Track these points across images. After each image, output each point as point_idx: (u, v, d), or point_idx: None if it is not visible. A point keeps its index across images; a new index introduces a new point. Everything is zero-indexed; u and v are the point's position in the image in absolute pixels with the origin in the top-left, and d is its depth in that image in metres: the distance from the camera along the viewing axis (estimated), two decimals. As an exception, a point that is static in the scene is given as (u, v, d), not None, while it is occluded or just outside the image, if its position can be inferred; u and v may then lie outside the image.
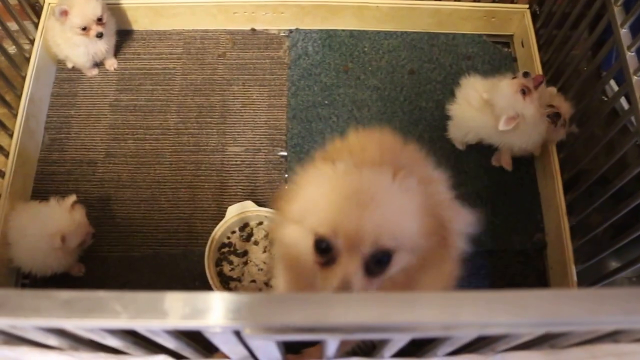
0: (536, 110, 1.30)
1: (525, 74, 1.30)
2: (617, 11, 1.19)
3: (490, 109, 1.33)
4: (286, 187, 0.85)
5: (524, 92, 1.28)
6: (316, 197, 0.72)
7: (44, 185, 1.47)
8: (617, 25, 1.18)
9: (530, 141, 1.36)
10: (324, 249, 0.70)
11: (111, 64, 1.59)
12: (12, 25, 1.50)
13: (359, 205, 0.68)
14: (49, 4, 1.55)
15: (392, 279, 0.72)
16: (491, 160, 1.50)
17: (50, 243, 1.21)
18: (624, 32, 1.16)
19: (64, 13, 1.40)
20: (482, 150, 1.51)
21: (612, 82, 1.40)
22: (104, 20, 1.45)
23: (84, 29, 1.42)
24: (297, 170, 0.80)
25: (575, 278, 1.27)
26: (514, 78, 1.31)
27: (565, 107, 1.34)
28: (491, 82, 1.37)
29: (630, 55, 1.14)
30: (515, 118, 1.28)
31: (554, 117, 1.32)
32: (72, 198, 1.26)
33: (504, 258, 1.42)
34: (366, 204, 0.68)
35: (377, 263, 0.69)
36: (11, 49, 1.49)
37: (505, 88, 1.30)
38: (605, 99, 1.45)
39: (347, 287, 0.66)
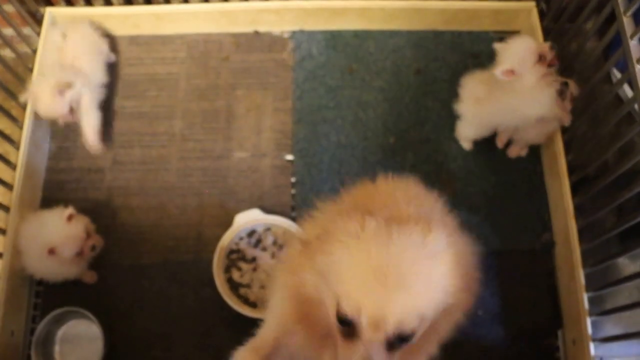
0: (537, 80, 1.30)
1: (552, 47, 1.31)
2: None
3: (496, 85, 1.34)
4: (309, 217, 0.82)
5: (540, 58, 1.29)
6: (342, 263, 0.68)
7: (53, 194, 1.48)
8: (620, 13, 1.17)
9: (537, 110, 1.33)
10: (346, 322, 0.67)
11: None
12: (14, 37, 1.50)
13: (385, 286, 0.64)
14: (50, 12, 1.54)
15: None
16: (507, 152, 1.51)
17: (42, 254, 1.23)
18: (627, 20, 1.16)
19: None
20: (489, 151, 1.50)
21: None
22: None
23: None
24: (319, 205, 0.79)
25: (583, 281, 1.27)
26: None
27: (572, 83, 1.33)
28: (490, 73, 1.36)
29: (633, 44, 1.14)
30: (513, 73, 1.28)
31: (563, 86, 1.30)
32: (69, 210, 1.27)
33: (512, 258, 1.43)
34: (393, 284, 0.64)
35: (400, 340, 0.67)
36: (13, 60, 1.49)
37: (524, 43, 1.30)
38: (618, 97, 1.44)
39: None
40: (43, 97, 1.36)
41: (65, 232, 1.25)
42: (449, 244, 0.69)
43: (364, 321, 0.66)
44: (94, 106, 1.46)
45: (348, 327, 0.68)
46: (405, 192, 0.79)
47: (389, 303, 0.64)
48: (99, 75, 1.48)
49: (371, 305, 0.65)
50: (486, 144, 1.50)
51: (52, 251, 1.22)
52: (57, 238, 1.24)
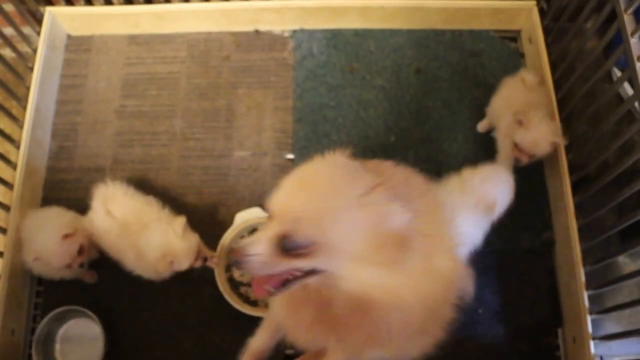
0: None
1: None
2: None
3: None
4: None
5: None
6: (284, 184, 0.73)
7: (53, 193, 1.48)
8: (621, 12, 1.17)
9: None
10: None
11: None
12: (14, 36, 1.50)
13: (300, 187, 0.68)
14: (49, 11, 1.54)
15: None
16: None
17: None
18: (628, 18, 1.16)
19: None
20: (489, 150, 1.50)
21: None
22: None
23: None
24: None
25: (583, 280, 1.27)
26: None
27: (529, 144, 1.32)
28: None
29: (634, 42, 1.14)
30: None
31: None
32: (66, 230, 1.21)
33: (513, 257, 1.43)
34: (308, 185, 0.68)
35: (295, 246, 0.66)
36: (13, 59, 1.49)
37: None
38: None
39: (245, 251, 0.66)
40: (176, 245, 1.20)
41: (55, 249, 1.22)
42: (389, 210, 0.66)
43: (270, 211, 0.69)
44: None
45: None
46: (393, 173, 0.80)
47: (294, 196, 0.68)
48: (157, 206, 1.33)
49: (280, 196, 0.69)
50: (486, 143, 1.50)
51: (37, 259, 1.22)
52: (45, 251, 1.22)
